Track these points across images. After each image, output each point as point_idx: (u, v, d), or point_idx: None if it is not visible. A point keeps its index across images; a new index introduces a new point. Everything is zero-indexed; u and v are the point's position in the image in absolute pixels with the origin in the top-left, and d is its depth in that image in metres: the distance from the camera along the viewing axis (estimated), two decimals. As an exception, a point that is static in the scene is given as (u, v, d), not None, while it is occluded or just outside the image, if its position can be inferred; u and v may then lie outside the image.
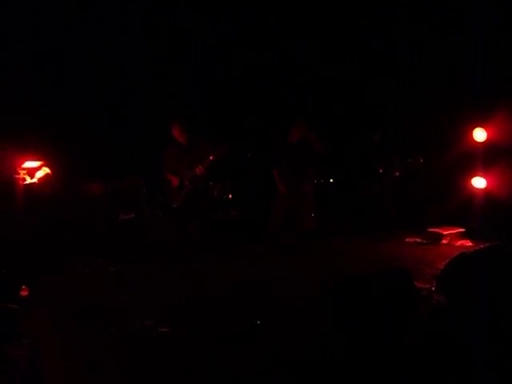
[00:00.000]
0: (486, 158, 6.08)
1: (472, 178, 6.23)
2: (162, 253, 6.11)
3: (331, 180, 7.62)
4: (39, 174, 5.22)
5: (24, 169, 5.09)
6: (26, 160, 5.15)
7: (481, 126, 6.08)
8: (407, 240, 6.42)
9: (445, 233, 6.17)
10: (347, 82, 7.30)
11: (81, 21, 6.59)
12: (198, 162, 6.12)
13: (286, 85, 7.46)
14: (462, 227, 6.23)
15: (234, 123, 7.24)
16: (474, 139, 6.13)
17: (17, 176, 5.02)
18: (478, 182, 6.19)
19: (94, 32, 6.68)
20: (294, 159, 6.36)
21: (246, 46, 7.32)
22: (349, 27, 7.11)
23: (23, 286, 4.13)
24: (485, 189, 6.13)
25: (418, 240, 6.30)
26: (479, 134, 6.10)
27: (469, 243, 5.98)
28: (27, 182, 5.09)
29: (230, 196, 7.10)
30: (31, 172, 5.17)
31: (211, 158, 6.06)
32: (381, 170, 6.72)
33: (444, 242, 6.12)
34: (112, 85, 6.85)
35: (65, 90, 6.65)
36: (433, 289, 3.61)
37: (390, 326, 2.92)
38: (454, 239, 6.13)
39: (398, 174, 6.64)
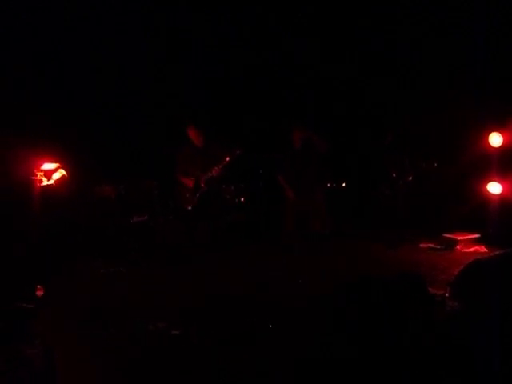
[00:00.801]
0: (501, 164, 5.98)
1: (487, 183, 6.12)
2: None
3: (343, 184, 7.57)
4: (56, 176, 5.24)
5: (41, 171, 5.11)
6: (43, 162, 5.16)
7: (497, 131, 5.98)
8: (421, 245, 6.30)
9: (459, 238, 6.10)
10: (347, 82, 7.29)
11: (81, 21, 6.59)
12: (213, 163, 6.10)
13: (286, 85, 7.46)
14: (476, 233, 6.15)
15: (234, 123, 7.23)
16: (489, 144, 6.04)
17: (34, 178, 5.04)
18: (494, 188, 6.08)
19: (94, 32, 6.67)
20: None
21: (246, 45, 7.31)
22: (349, 27, 7.10)
23: (38, 286, 4.14)
24: (500, 194, 6.02)
25: (432, 245, 6.21)
26: (495, 139, 6.00)
27: (483, 249, 5.91)
28: (44, 184, 5.11)
29: (243, 199, 7.06)
30: (48, 174, 5.18)
31: (227, 159, 6.05)
32: (394, 175, 6.64)
33: (458, 247, 6.04)
34: (112, 85, 6.84)
35: (65, 90, 6.65)
36: (447, 295, 3.58)
37: (390, 327, 2.92)
38: (469, 245, 6.06)
39: (410, 178, 6.58)
